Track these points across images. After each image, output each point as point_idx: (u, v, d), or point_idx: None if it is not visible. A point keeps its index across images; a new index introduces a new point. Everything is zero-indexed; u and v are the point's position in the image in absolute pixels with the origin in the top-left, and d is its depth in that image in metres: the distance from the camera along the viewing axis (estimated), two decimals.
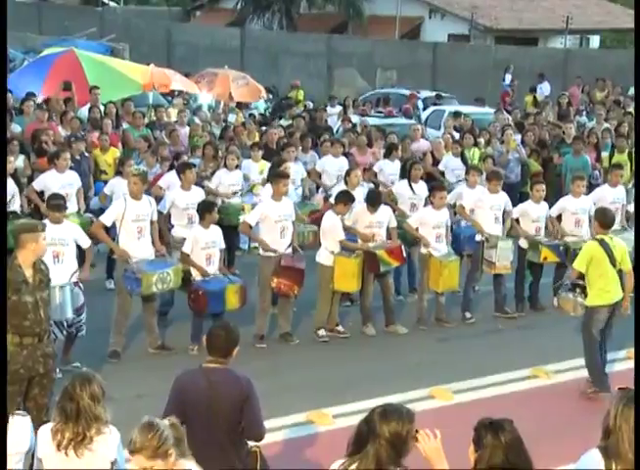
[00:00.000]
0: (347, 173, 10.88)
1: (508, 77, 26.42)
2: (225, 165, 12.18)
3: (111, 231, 9.85)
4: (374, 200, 10.16)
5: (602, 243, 8.53)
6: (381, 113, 20.82)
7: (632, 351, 8.90)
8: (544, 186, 11.15)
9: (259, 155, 12.89)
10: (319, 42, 31.99)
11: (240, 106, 18.90)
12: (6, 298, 6.29)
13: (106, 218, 9.27)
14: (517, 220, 10.96)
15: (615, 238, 8.79)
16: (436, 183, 11.23)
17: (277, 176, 9.92)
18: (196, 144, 14.15)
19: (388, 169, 12.99)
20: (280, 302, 9.87)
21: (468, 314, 10.71)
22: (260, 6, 35.68)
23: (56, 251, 8.31)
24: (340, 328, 10.04)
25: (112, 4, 43.63)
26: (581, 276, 8.76)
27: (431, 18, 34.59)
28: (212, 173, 12.43)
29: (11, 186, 10.73)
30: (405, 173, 11.85)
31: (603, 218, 8.75)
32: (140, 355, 9.18)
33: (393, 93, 24.23)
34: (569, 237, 10.78)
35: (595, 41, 37.89)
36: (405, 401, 7.76)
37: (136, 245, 9.10)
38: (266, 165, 12.88)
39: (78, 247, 8.80)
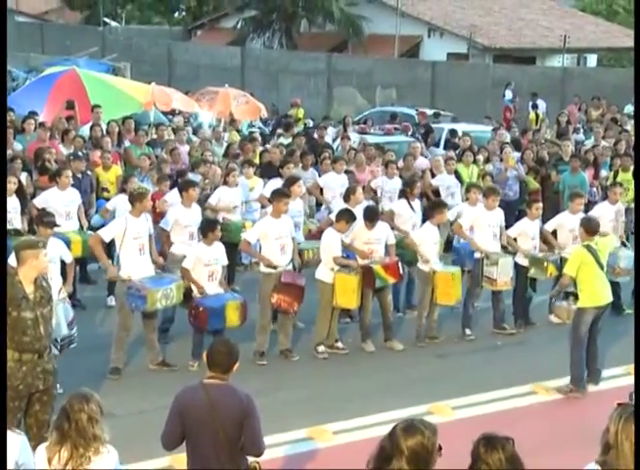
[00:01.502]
0: (349, 191, 10.90)
1: (508, 93, 26.53)
2: (226, 183, 12.24)
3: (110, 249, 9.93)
4: (371, 216, 10.22)
5: (589, 248, 9.07)
6: (397, 129, 20.96)
7: (631, 367, 8.93)
8: (541, 204, 11.27)
9: (251, 171, 12.98)
10: (319, 61, 32.17)
11: (233, 123, 18.95)
12: (6, 304, 6.32)
13: (105, 234, 9.29)
14: (514, 239, 11.04)
15: (600, 241, 9.26)
16: (438, 201, 11.23)
17: (279, 195, 9.99)
18: (196, 161, 14.23)
19: (387, 187, 13.08)
20: (280, 318, 9.91)
21: (468, 331, 10.75)
22: (261, 25, 35.88)
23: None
24: (339, 344, 10.08)
25: (113, 23, 43.91)
26: (573, 282, 9.16)
27: (430, 37, 34.78)
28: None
29: (14, 203, 10.83)
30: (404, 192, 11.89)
31: (588, 225, 9.32)
32: (140, 372, 9.21)
33: (392, 112, 24.36)
34: (564, 252, 10.85)
35: (592, 60, 38.07)
36: (405, 418, 7.82)
37: (138, 262, 9.15)
38: (258, 182, 12.98)
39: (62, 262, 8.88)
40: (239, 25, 36.43)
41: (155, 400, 7.94)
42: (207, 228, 9.45)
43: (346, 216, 9.98)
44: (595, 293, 9.06)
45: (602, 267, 9.11)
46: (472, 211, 11.06)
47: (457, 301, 10.53)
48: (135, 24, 45.28)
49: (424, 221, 11.02)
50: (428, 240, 10.41)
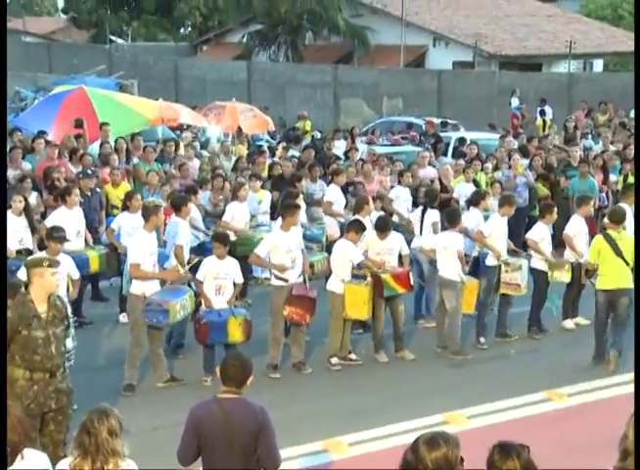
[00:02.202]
0: (362, 202, 10.91)
1: (514, 101, 26.55)
2: (236, 197, 12.24)
3: (121, 266, 9.94)
4: (383, 226, 10.23)
5: (606, 236, 9.95)
6: (405, 138, 21.05)
7: None
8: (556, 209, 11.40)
9: (258, 185, 13.01)
10: (325, 73, 32.26)
11: (241, 137, 19.01)
12: (6, 311, 6.32)
13: (137, 257, 9.06)
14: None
15: (623, 232, 9.83)
16: (456, 210, 11.16)
17: (288, 207, 10.00)
18: (205, 177, 14.26)
19: (404, 196, 13.16)
20: (292, 331, 9.91)
21: (482, 339, 10.73)
22: (266, 39, 36.03)
23: None
24: (352, 356, 10.07)
25: (119, 41, 44.16)
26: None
27: (435, 46, 34.84)
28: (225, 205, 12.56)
29: (23, 223, 10.88)
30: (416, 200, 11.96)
31: (613, 215, 10.20)
32: (153, 388, 9.21)
33: (399, 122, 24.43)
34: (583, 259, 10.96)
35: (599, 65, 38.05)
36: (420, 428, 7.81)
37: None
38: (265, 195, 13.01)
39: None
40: (244, 40, 36.61)
41: (169, 417, 7.94)
42: (220, 241, 9.46)
43: (356, 226, 10.00)
44: (606, 277, 9.87)
45: (619, 254, 9.78)
46: (491, 219, 11.04)
47: (474, 309, 10.61)
48: (141, 42, 45.52)
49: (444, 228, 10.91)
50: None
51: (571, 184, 14.73)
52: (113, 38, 43.39)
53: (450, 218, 10.48)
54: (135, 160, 14.85)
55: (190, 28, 49.05)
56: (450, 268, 10.23)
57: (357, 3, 35.65)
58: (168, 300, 8.96)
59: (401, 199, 13.19)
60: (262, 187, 13.29)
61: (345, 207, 13.48)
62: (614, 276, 9.81)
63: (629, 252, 9.77)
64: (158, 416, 8.37)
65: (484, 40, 33.74)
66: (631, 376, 9.44)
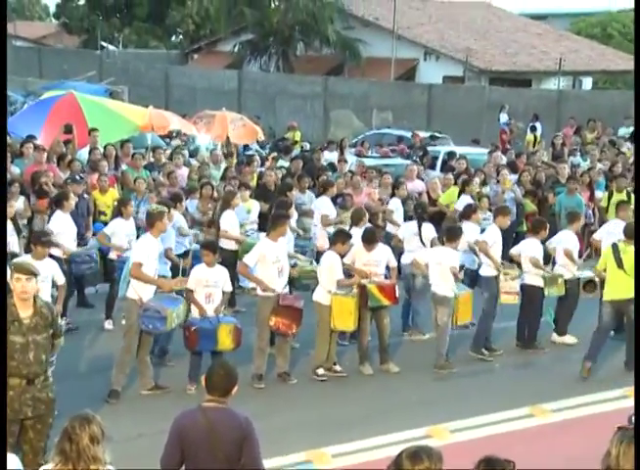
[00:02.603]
0: (360, 214, 11.04)
1: (503, 117, 26.70)
2: (229, 206, 12.21)
3: (116, 272, 9.93)
4: (370, 238, 10.23)
5: (613, 246, 10.24)
6: (394, 151, 21.12)
7: (630, 389, 8.92)
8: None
9: (247, 194, 13.04)
10: (316, 84, 32.34)
11: (230, 146, 19.01)
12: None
13: (140, 257, 9.01)
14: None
15: (630, 246, 10.06)
16: (458, 227, 11.06)
17: (278, 217, 10.02)
18: (193, 185, 14.26)
19: (400, 209, 13.28)
20: (278, 341, 9.90)
21: (485, 352, 10.78)
22: (257, 48, 36.09)
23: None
24: (337, 367, 10.06)
25: (110, 47, 44.14)
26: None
27: (426, 60, 35.00)
28: (214, 215, 12.55)
29: (9, 227, 10.83)
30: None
31: (627, 230, 10.38)
32: (138, 396, 9.16)
33: (388, 134, 24.50)
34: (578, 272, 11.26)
35: (588, 83, 38.30)
36: (403, 441, 7.80)
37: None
38: (254, 205, 13.02)
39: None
40: (236, 49, 36.65)
41: (153, 424, 7.91)
42: (207, 249, 9.46)
43: (342, 237, 10.04)
44: (610, 287, 10.19)
45: (620, 266, 10.04)
46: (491, 230, 11.11)
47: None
48: (132, 48, 45.54)
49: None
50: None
51: (558, 200, 14.81)
52: (104, 44, 43.37)
53: (450, 235, 10.45)
54: (124, 166, 14.83)
55: (181, 36, 49.15)
56: (443, 284, 10.25)
57: (349, 15, 35.78)
58: (166, 307, 8.94)
59: (398, 211, 13.27)
60: (251, 196, 13.31)
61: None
62: (617, 287, 10.06)
63: (630, 265, 9.92)
64: (141, 424, 8.33)
65: (475, 55, 33.92)
66: (615, 393, 9.52)
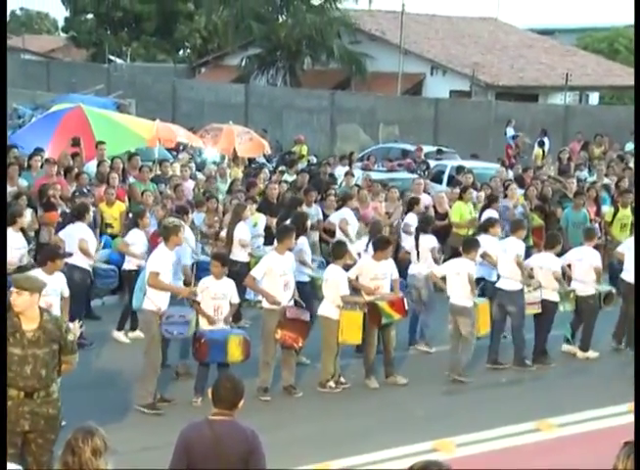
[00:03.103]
0: (379, 227, 11.36)
1: (510, 131, 26.71)
2: (240, 218, 12.26)
3: (133, 283, 10.04)
4: (382, 246, 10.17)
5: None
6: (400, 165, 21.17)
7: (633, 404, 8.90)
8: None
9: (254, 208, 13.09)
10: (322, 98, 32.42)
11: (236, 160, 19.07)
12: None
13: (158, 267, 9.07)
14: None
15: None
16: (475, 239, 11.18)
17: (287, 231, 10.05)
18: (200, 198, 14.29)
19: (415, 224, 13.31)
20: (283, 354, 9.87)
21: (528, 361, 10.93)
22: (265, 63, 36.23)
23: (48, 302, 8.12)
24: (342, 379, 10.06)
25: (118, 61, 44.37)
26: None
27: (432, 74, 35.09)
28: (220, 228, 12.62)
29: (22, 241, 10.88)
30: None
31: None
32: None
33: (395, 148, 24.55)
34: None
35: (594, 98, 38.34)
36: (409, 455, 7.80)
37: (166, 294, 9.25)
38: (260, 218, 13.06)
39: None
40: (243, 63, 36.79)
41: (159, 437, 7.89)
42: (218, 261, 9.48)
43: (344, 249, 10.16)
44: None
45: None
46: (517, 243, 11.19)
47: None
48: (140, 62, 45.74)
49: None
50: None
51: (565, 215, 14.83)
52: (112, 58, 43.61)
53: (468, 246, 10.58)
54: (131, 179, 14.88)
55: (189, 50, 49.36)
56: (463, 294, 10.33)
57: (356, 30, 35.91)
58: (188, 311, 9.10)
59: (413, 227, 13.26)
60: (258, 210, 13.36)
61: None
62: None
63: None
64: (147, 436, 8.33)
65: (482, 70, 33.99)
66: (621, 408, 9.48)
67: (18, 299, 6.36)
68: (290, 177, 17.51)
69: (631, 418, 8.93)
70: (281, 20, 36.08)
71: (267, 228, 13.17)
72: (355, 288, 10.14)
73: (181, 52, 50.34)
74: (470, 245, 10.62)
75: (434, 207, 14.81)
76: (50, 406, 6.46)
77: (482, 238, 11.30)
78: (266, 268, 9.72)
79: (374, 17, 37.92)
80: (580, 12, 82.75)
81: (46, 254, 9.25)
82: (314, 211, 13.93)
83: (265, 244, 13.17)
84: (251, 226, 12.83)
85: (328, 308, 9.94)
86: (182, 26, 46.10)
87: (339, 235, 13.13)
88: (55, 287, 8.58)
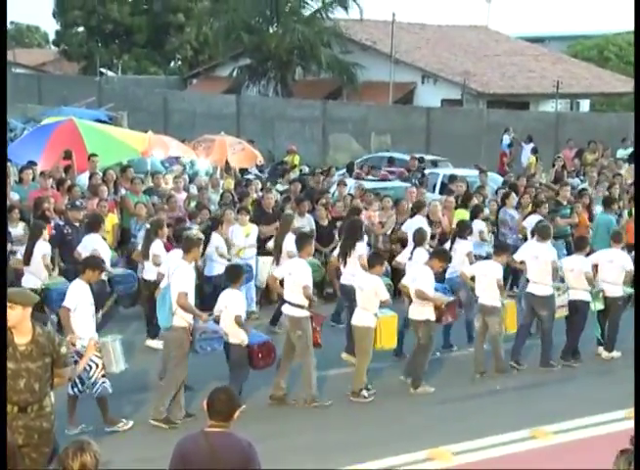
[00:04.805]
0: (423, 234, 11.58)
1: (506, 138, 26.71)
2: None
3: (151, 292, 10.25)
4: (377, 260, 10.31)
5: None
6: (392, 173, 21.22)
7: (631, 411, 8.90)
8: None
9: (246, 219, 13.09)
10: (314, 108, 32.47)
11: (229, 171, 19.08)
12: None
13: (186, 287, 9.01)
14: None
15: None
16: (506, 244, 12.13)
17: (306, 238, 10.30)
18: (193, 212, 14.27)
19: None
20: (281, 362, 9.86)
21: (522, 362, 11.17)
22: (256, 73, 36.27)
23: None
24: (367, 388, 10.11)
25: (109, 73, 44.40)
26: None
27: (424, 83, 35.18)
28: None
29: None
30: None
31: None
32: (140, 418, 9.06)
33: (387, 157, 24.56)
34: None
35: (585, 105, 38.47)
36: (405, 464, 7.78)
37: None
38: (252, 229, 13.05)
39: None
40: (234, 74, 36.83)
41: (154, 448, 7.87)
42: (234, 274, 9.52)
43: (380, 260, 10.33)
44: None
45: None
46: (549, 247, 11.49)
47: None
48: (131, 74, 45.80)
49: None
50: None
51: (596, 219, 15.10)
52: (103, 70, 43.63)
53: (499, 250, 11.26)
54: (123, 191, 14.86)
55: (180, 62, 49.43)
56: (490, 294, 10.71)
57: (347, 40, 36.00)
58: (217, 326, 9.17)
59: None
60: (251, 220, 13.35)
61: (331, 243, 13.58)
62: None
63: None
64: (142, 447, 8.29)
65: (473, 78, 34.10)
66: (617, 414, 9.48)
67: (10, 313, 6.27)
68: (282, 187, 17.52)
69: (627, 425, 8.95)
70: (271, 30, 36.13)
71: (262, 239, 13.18)
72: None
73: (172, 64, 50.40)
74: (500, 249, 11.27)
75: (428, 215, 14.80)
76: (44, 420, 6.38)
77: (458, 242, 11.88)
78: (286, 273, 9.97)
79: (365, 26, 38.00)
80: (570, 20, 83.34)
81: (87, 262, 9.08)
82: (307, 221, 13.92)
83: (258, 254, 13.17)
84: (244, 236, 12.83)
85: (364, 317, 10.00)
86: (173, 38, 46.20)
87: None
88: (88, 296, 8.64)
